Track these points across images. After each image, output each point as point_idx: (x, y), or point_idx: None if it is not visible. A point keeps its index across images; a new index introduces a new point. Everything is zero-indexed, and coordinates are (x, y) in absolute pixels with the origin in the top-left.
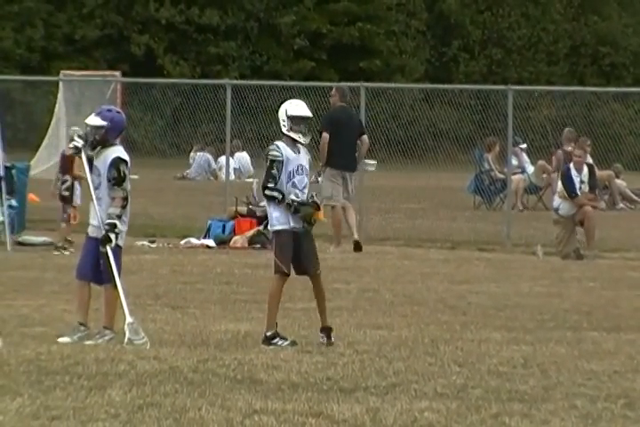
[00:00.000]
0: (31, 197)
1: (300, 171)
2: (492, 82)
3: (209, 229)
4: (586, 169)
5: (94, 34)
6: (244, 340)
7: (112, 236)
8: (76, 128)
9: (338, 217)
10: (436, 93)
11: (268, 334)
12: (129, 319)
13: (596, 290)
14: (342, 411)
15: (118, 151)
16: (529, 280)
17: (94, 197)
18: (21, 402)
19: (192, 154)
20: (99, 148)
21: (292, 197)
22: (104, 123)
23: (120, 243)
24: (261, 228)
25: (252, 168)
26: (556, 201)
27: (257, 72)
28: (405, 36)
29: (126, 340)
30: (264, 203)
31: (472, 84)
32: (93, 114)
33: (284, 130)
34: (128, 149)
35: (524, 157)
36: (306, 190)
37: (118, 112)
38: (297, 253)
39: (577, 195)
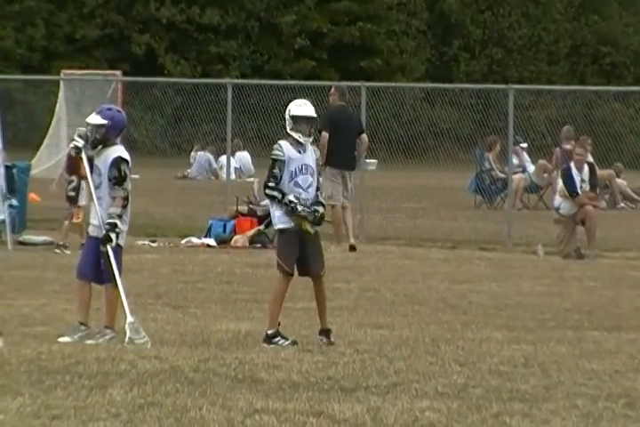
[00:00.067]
0: (32, 196)
1: (304, 170)
2: (492, 81)
3: (210, 229)
4: (587, 168)
5: (95, 33)
6: (245, 339)
7: (113, 235)
8: (83, 129)
9: (338, 216)
10: (437, 93)
11: (270, 332)
12: (130, 319)
13: (597, 289)
14: (343, 410)
15: (119, 151)
16: (530, 280)
17: (95, 196)
18: (22, 401)
19: (193, 153)
20: (99, 147)
21: (291, 197)
22: (105, 121)
23: (121, 242)
24: (262, 227)
25: (252, 167)
26: (557, 200)
27: (258, 71)
28: (406, 35)
29: (127, 339)
30: (265, 202)
31: (473, 83)
32: (94, 113)
33: (288, 129)
34: (129, 149)
35: (525, 156)
36: (311, 189)
37: (119, 111)
38: (302, 252)
39: (578, 194)
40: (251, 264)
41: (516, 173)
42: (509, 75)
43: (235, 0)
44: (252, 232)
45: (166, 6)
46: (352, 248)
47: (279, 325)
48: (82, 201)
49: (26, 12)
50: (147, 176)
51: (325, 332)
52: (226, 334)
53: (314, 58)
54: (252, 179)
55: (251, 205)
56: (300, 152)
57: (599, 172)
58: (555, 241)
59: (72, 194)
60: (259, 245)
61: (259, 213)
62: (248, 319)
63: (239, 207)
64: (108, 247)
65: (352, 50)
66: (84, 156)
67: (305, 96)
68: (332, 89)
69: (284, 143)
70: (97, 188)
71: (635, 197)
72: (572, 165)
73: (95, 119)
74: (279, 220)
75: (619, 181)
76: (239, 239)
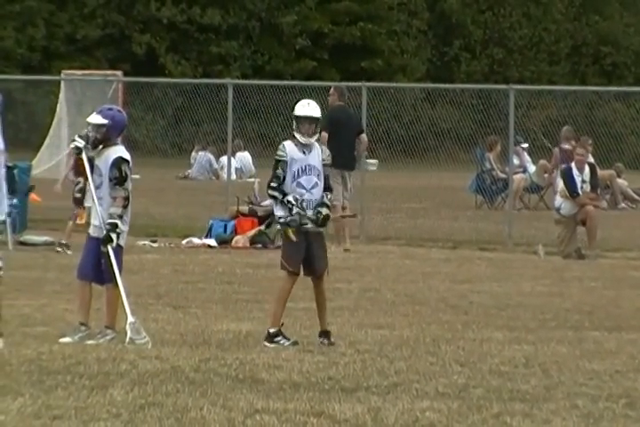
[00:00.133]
0: (33, 196)
1: (307, 171)
2: (493, 81)
3: (210, 229)
4: (587, 168)
5: (96, 33)
6: (246, 339)
7: (113, 236)
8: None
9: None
10: (438, 93)
11: (272, 331)
12: (130, 319)
13: (598, 290)
14: (344, 410)
15: (120, 151)
16: (530, 280)
17: (95, 196)
18: (23, 402)
19: (193, 154)
20: (100, 147)
21: (289, 197)
22: (105, 121)
23: (121, 243)
24: (263, 227)
25: (253, 168)
26: (558, 201)
27: (258, 72)
28: (407, 35)
29: (128, 339)
30: (265, 202)
31: (473, 83)
32: (95, 112)
33: (294, 129)
34: (129, 149)
35: (526, 156)
36: (315, 190)
37: (119, 111)
38: (307, 252)
39: (578, 194)
40: (251, 264)
41: (516, 173)
42: (510, 75)
43: (235, 0)
44: (252, 232)
45: (167, 6)
46: (345, 251)
47: (282, 325)
48: (87, 202)
49: (26, 12)
50: (147, 176)
51: (325, 333)
52: (226, 334)
53: (315, 58)
54: (252, 179)
55: (251, 206)
56: (304, 153)
57: (600, 172)
58: (555, 241)
59: (78, 195)
60: (259, 246)
61: (259, 214)
62: (249, 320)
63: (240, 208)
64: (109, 248)
65: (353, 50)
66: (84, 156)
67: (306, 96)
68: (332, 89)
69: (287, 144)
70: (97, 188)
71: (635, 197)
72: (573, 165)
73: (96, 119)
74: (281, 220)
75: (619, 181)
76: (240, 240)
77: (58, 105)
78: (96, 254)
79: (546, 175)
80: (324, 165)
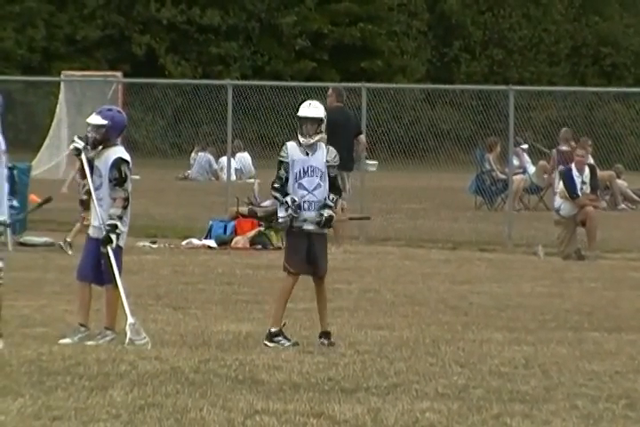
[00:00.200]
0: (32, 197)
1: (309, 172)
2: (493, 82)
3: (210, 230)
4: (587, 170)
5: (95, 34)
6: (246, 340)
7: (113, 236)
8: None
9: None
10: (438, 94)
11: (273, 330)
12: (130, 320)
13: (598, 290)
14: (343, 411)
15: (119, 152)
16: (530, 281)
17: (95, 197)
18: (23, 402)
19: (193, 154)
20: (100, 148)
21: (287, 198)
22: (105, 122)
23: (121, 244)
24: (262, 228)
25: (253, 168)
26: (557, 201)
27: (258, 72)
28: (407, 36)
29: (127, 340)
30: (265, 203)
31: (473, 84)
32: (94, 113)
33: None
34: (129, 150)
35: (525, 157)
36: (317, 192)
37: (119, 111)
38: (310, 252)
39: (578, 196)
40: (251, 265)
41: (516, 174)
42: (510, 76)
43: (235, 1)
44: (252, 233)
45: (167, 7)
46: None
47: (284, 325)
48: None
49: (26, 13)
50: (147, 177)
51: (325, 334)
52: (226, 335)
53: (314, 59)
54: (252, 180)
55: (251, 207)
56: (307, 154)
57: (600, 173)
58: (555, 242)
59: (85, 198)
60: (259, 247)
61: (259, 214)
62: (249, 320)
63: (240, 208)
64: (109, 248)
65: (353, 51)
66: (83, 157)
67: (305, 97)
68: (330, 90)
69: (290, 145)
70: (97, 189)
71: (635, 198)
72: (573, 166)
73: (95, 119)
74: (282, 219)
75: (619, 182)
76: (240, 240)
77: (57, 106)
78: (96, 255)
79: (545, 176)
80: (330, 167)
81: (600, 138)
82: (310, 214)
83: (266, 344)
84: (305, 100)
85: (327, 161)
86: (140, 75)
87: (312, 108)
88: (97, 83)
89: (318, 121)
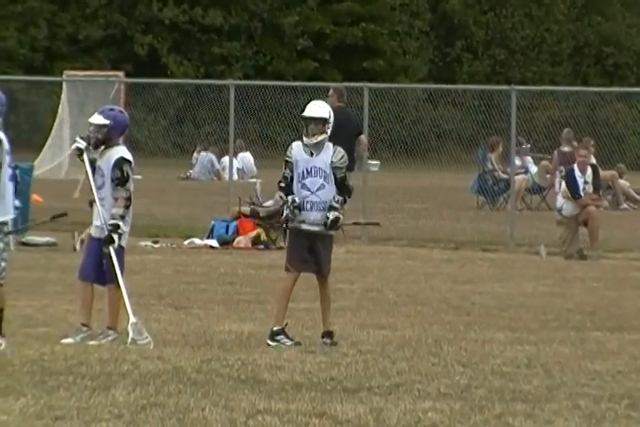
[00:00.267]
0: (35, 197)
1: (313, 172)
2: (495, 82)
3: (212, 230)
4: (590, 170)
5: (98, 34)
6: (248, 340)
7: (115, 236)
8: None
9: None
10: (440, 94)
11: (275, 328)
12: (132, 319)
13: (600, 290)
14: (346, 411)
15: (122, 151)
16: (532, 280)
17: (97, 197)
18: (25, 402)
19: (195, 154)
20: (102, 148)
21: (289, 198)
22: (107, 121)
23: (123, 243)
24: (260, 229)
25: (255, 168)
26: (560, 201)
27: (260, 72)
28: (409, 36)
29: (130, 340)
30: (267, 203)
31: (475, 84)
32: (96, 113)
33: None
34: (131, 149)
35: (528, 157)
36: (321, 193)
37: (121, 111)
38: (313, 251)
39: (580, 196)
40: (253, 265)
41: (518, 173)
42: (512, 76)
43: (237, 1)
44: (254, 233)
45: (169, 7)
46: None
47: (286, 325)
48: None
49: (28, 13)
50: (149, 177)
51: (328, 333)
52: (228, 334)
53: (316, 59)
54: (254, 180)
55: (253, 206)
56: (311, 154)
57: (602, 173)
58: (557, 242)
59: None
60: (261, 246)
61: (261, 214)
62: (251, 320)
63: (242, 208)
64: (111, 248)
65: (355, 51)
66: (85, 157)
67: (307, 97)
68: (331, 90)
69: (295, 144)
70: (99, 188)
71: (637, 197)
72: (575, 166)
73: (97, 119)
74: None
75: (621, 181)
76: (242, 240)
77: (60, 106)
78: (98, 255)
79: (548, 176)
80: (336, 168)
81: (602, 138)
82: (313, 215)
83: (268, 344)
84: (307, 100)
85: (332, 162)
86: (143, 75)
87: (316, 108)
88: (99, 83)
89: (322, 121)
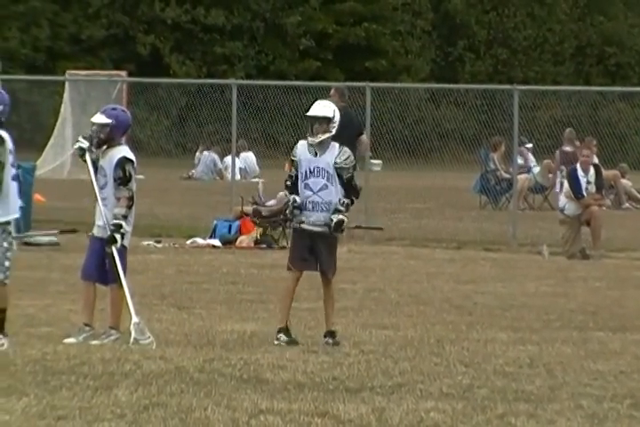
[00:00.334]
0: (37, 197)
1: (315, 173)
2: (497, 82)
3: (215, 229)
4: (592, 169)
5: (100, 34)
6: (250, 340)
7: (117, 236)
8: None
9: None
10: (442, 93)
11: (278, 327)
12: (135, 319)
13: (602, 290)
14: (348, 411)
15: (124, 151)
16: (535, 280)
17: (99, 197)
18: (27, 402)
19: (198, 154)
20: (104, 147)
21: (291, 197)
22: (109, 121)
23: (125, 243)
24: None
25: (257, 168)
26: (562, 201)
27: (263, 72)
28: (411, 36)
29: (132, 340)
30: (270, 202)
31: (478, 83)
32: (99, 112)
33: None
34: (134, 149)
35: (530, 156)
36: (323, 193)
37: (123, 111)
38: (312, 253)
39: (583, 196)
40: (256, 265)
41: (520, 173)
42: (514, 75)
43: (240, 1)
44: (257, 233)
45: (171, 7)
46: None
47: (287, 323)
48: None
49: (30, 13)
50: (152, 177)
51: (330, 333)
52: (231, 334)
53: (319, 58)
54: (256, 179)
55: (256, 206)
56: (315, 154)
57: (604, 172)
58: (560, 241)
59: None
60: (264, 246)
61: (264, 214)
62: (253, 320)
63: (244, 208)
64: (113, 248)
65: (357, 50)
66: (87, 157)
67: (310, 97)
68: (332, 90)
69: (301, 144)
70: (102, 188)
71: (639, 197)
72: (578, 166)
73: (100, 118)
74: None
75: (624, 181)
76: (244, 240)
77: (62, 105)
78: (100, 255)
79: (550, 175)
80: (341, 169)
81: (604, 137)
82: (315, 215)
83: (274, 343)
84: (309, 100)
85: (336, 163)
86: (145, 74)
87: (320, 108)
88: (101, 82)
89: (326, 120)
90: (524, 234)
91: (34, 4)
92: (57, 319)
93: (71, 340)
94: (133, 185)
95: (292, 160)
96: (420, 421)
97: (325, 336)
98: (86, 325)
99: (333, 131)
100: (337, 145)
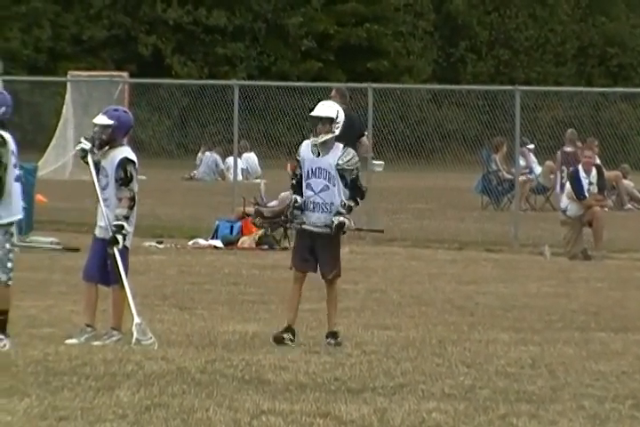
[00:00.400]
0: (39, 198)
1: (317, 173)
2: (499, 82)
3: (216, 230)
4: (594, 170)
5: (102, 34)
6: (252, 340)
7: (119, 237)
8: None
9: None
10: (444, 94)
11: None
12: (137, 320)
13: (604, 290)
14: (350, 411)
15: (126, 152)
16: (536, 281)
17: (101, 198)
18: (29, 403)
19: (200, 154)
20: (106, 148)
21: (293, 197)
22: (111, 122)
23: (127, 244)
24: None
25: (259, 169)
26: (564, 202)
27: (264, 73)
28: (413, 36)
29: (134, 340)
30: (271, 203)
31: (479, 84)
32: (100, 113)
33: None
34: (135, 150)
35: (532, 157)
36: (324, 194)
37: (125, 112)
38: (312, 254)
39: (585, 197)
40: (258, 266)
41: (522, 174)
42: (516, 76)
43: (241, 2)
44: (258, 233)
45: (173, 8)
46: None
47: (291, 323)
48: None
49: (32, 14)
50: (153, 177)
51: (332, 334)
52: (232, 335)
53: (320, 59)
54: (258, 180)
55: (257, 207)
56: (318, 155)
57: (606, 173)
58: (561, 242)
59: None
60: (265, 247)
61: (265, 215)
62: (255, 321)
63: (246, 208)
64: (115, 249)
65: (359, 51)
66: (89, 158)
67: (312, 98)
68: (333, 91)
69: (305, 143)
70: (103, 189)
71: None
72: (580, 167)
73: (101, 119)
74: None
75: (625, 182)
76: (246, 240)
77: (64, 106)
78: (102, 256)
79: (552, 176)
80: (343, 170)
81: (606, 138)
82: (316, 216)
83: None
84: (311, 101)
85: (338, 164)
86: (147, 75)
87: (324, 108)
88: (103, 83)
89: (329, 120)
90: (526, 235)
91: (35, 5)
92: (59, 320)
93: (73, 341)
94: (135, 186)
95: (297, 160)
96: (421, 421)
97: (327, 337)
98: (88, 325)
99: (337, 131)
100: (341, 146)
